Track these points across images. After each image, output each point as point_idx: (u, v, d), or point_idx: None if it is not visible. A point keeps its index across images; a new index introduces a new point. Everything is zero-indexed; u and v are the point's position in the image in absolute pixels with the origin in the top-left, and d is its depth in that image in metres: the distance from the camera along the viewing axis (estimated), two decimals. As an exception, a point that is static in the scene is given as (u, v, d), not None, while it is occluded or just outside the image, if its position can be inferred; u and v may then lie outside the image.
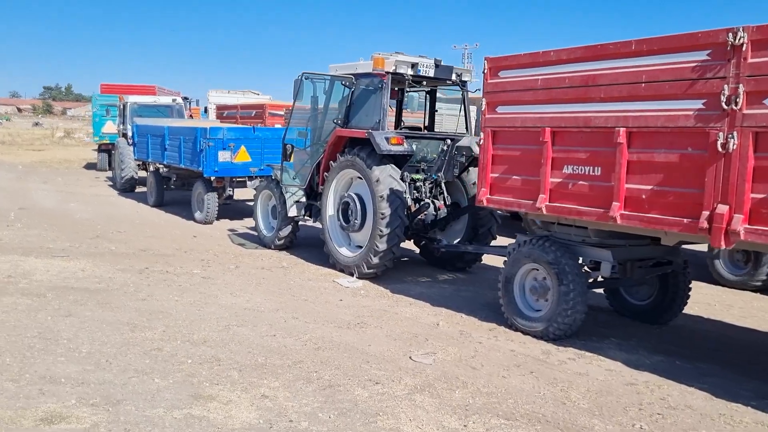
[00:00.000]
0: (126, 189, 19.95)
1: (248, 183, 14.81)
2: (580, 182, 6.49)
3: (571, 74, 6.53)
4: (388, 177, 9.44)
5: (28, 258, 10.24)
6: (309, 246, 12.12)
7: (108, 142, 25.62)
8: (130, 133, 19.78)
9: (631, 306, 8.20)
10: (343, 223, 10.18)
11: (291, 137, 11.46)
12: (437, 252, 10.41)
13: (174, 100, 21.03)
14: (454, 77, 10.35)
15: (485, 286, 9.69)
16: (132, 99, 20.31)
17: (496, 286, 7.75)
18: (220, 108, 28.08)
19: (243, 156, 14.41)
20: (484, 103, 7.49)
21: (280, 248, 11.93)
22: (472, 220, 10.36)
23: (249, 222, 14.91)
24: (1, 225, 13.27)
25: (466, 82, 10.55)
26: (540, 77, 6.83)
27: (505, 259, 7.74)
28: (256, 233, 13.42)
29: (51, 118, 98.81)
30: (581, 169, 6.49)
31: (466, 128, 10.65)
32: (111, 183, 22.47)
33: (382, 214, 9.33)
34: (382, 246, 9.42)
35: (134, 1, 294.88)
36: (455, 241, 10.57)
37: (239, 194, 15.94)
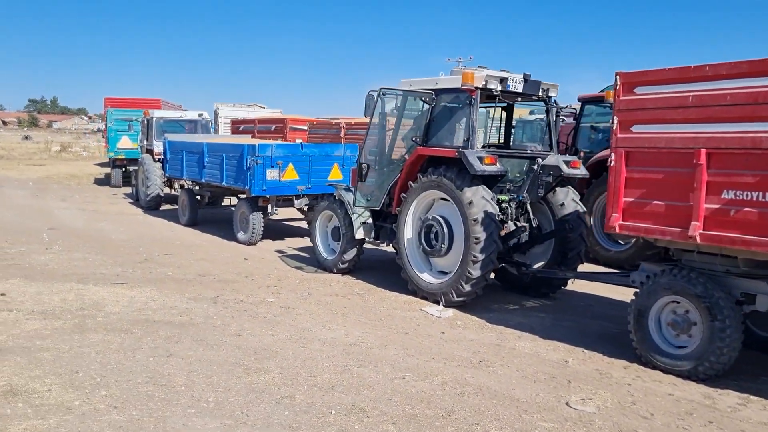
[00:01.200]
0: (151, 207, 19.25)
1: (296, 202, 14.19)
2: (746, 209, 5.92)
3: (733, 91, 5.97)
4: (481, 199, 8.87)
5: (87, 286, 9.57)
6: (370, 269, 11.52)
7: (124, 157, 24.92)
8: (157, 149, 19.09)
9: (760, 338, 7.63)
10: (426, 247, 9.59)
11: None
12: (527, 278, 9.83)
13: (200, 115, 20.39)
14: (540, 93, 9.80)
15: (580, 314, 9.16)
16: (158, 114, 19.62)
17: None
18: (236, 122, 27.40)
19: (291, 174, 13.80)
20: (615, 121, 6.92)
21: (342, 272, 11.32)
22: (560, 243, 9.78)
23: (293, 242, 14.38)
24: (38, 248, 12.55)
25: (551, 97, 9.99)
26: (691, 94, 6.29)
27: (637, 290, 7.17)
28: (307, 255, 12.83)
29: (37, 131, 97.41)
30: (746, 195, 5.93)
31: (551, 146, 10.08)
32: (131, 200, 21.73)
33: (477, 238, 8.75)
34: (475, 273, 8.83)
35: (122, 13, 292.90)
36: (537, 265, 9.99)
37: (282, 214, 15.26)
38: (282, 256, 12.90)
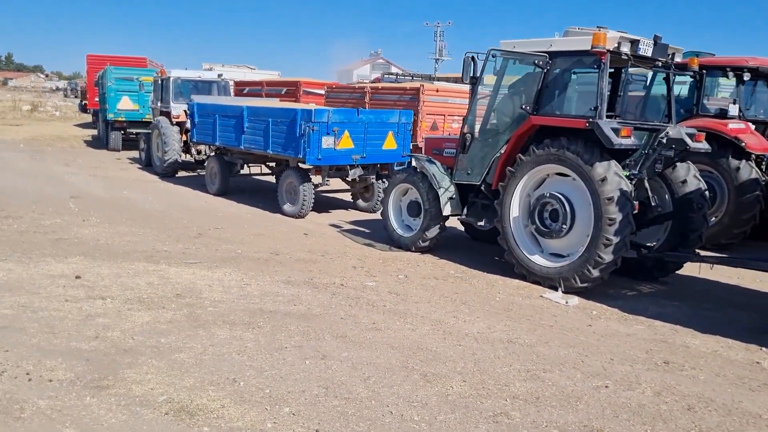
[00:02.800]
0: (168, 173, 18.03)
1: (350, 172, 13.19)
2: None
3: None
4: (615, 176, 8.01)
5: (162, 266, 8.54)
6: (444, 248, 10.69)
7: (124, 119, 23.46)
8: (175, 112, 17.79)
9: None
10: (541, 227, 8.70)
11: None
12: (649, 261, 9.03)
13: (219, 76, 19.06)
14: (666, 57, 8.91)
15: (710, 301, 8.48)
16: (175, 74, 18.25)
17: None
18: (240, 84, 25.96)
19: (346, 142, 12.78)
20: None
21: (422, 251, 10.42)
22: (680, 224, 8.99)
23: (340, 215, 13.46)
24: (74, 219, 11.43)
25: (672, 63, 9.11)
26: None
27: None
28: (367, 230, 11.92)
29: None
30: None
31: (670, 117, 9.22)
32: (140, 166, 20.41)
33: (611, 219, 7.90)
34: (607, 257, 8.01)
35: None
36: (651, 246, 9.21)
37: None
38: (343, 232, 11.93)
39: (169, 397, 4.64)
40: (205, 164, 16.04)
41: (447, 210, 9.97)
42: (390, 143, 13.43)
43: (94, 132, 33.83)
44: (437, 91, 18.77)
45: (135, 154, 23.16)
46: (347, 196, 15.04)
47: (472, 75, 9.47)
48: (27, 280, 7.39)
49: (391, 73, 46.51)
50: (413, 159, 10.58)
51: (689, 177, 8.89)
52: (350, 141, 12.79)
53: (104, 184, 16.34)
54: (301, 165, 12.76)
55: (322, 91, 22.82)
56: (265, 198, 15.18)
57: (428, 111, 18.00)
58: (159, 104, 18.58)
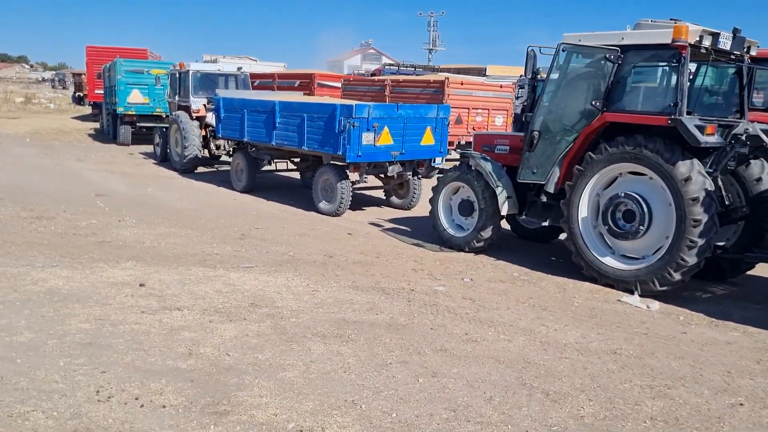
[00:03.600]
0: (187, 169, 17.59)
1: (389, 169, 12.82)
2: None
3: None
4: (699, 175, 7.70)
5: (220, 271, 8.19)
6: (494, 247, 10.36)
7: (134, 113, 22.93)
8: (195, 106, 17.34)
9: None
10: (614, 228, 8.37)
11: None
12: (724, 262, 8.73)
13: (239, 69, 18.58)
14: (742, 51, 8.59)
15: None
16: (194, 67, 17.76)
17: None
18: (251, 77, 25.47)
19: (385, 138, 12.40)
20: None
21: (476, 251, 10.08)
22: (754, 223, 8.69)
23: (377, 213, 13.11)
24: (110, 220, 11.06)
25: (746, 57, 8.78)
26: None
27: None
28: (410, 228, 11.60)
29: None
30: None
31: (742, 113, 8.90)
32: (155, 161, 19.93)
33: (695, 220, 7.59)
34: (690, 259, 7.70)
35: None
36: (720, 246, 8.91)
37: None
38: (386, 231, 11.58)
39: (297, 424, 4.29)
40: (231, 160, 15.57)
41: (505, 209, 9.65)
42: (428, 139, 13.08)
43: (96, 125, 33.24)
44: (462, 84, 18.46)
45: (146, 148, 22.71)
46: (378, 193, 14.67)
47: (533, 69, 9.14)
48: (90, 289, 6.99)
49: (391, 65, 46.05)
50: (468, 156, 10.20)
51: (764, 175, 8.59)
52: (389, 137, 12.41)
53: (125, 181, 15.90)
54: (337, 162, 12.35)
55: (338, 84, 22.46)
56: (294, 195, 14.82)
57: (453, 104, 17.62)
58: (177, 98, 18.10)
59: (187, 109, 17.52)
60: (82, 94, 54.08)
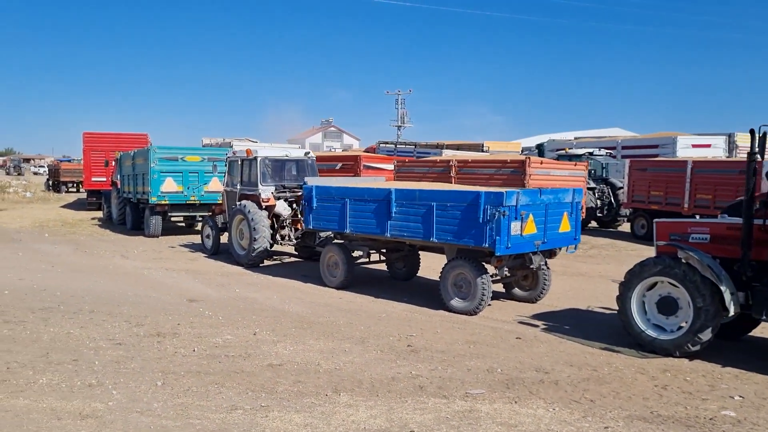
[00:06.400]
0: (254, 263, 16.01)
1: (534, 260, 11.54)
2: None
3: None
4: None
5: (454, 402, 6.84)
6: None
7: (167, 202, 21.34)
8: (264, 195, 15.94)
9: None
10: None
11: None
12: None
13: (306, 154, 17.28)
14: None
15: None
16: (263, 153, 16.40)
17: None
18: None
19: (530, 227, 11.18)
20: None
21: (689, 356, 8.76)
22: None
23: (508, 308, 11.78)
24: (241, 333, 9.67)
25: None
26: None
27: None
28: (566, 326, 10.30)
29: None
30: None
31: None
32: (206, 254, 18.26)
33: None
34: None
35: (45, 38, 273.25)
36: None
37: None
38: (551, 332, 10.23)
39: None
40: (322, 253, 14.10)
41: (733, 308, 8.41)
42: (565, 225, 11.89)
43: (95, 214, 31.44)
44: (541, 163, 17.42)
45: (178, 239, 21.28)
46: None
47: (758, 150, 8.15)
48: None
49: (387, 143, 45.36)
50: (677, 248, 8.99)
51: None
52: (533, 225, 11.19)
53: (200, 281, 14.27)
54: (474, 254, 11.06)
55: (386, 166, 21.28)
56: (398, 290, 13.46)
57: (534, 185, 16.57)
58: (239, 186, 16.64)
59: (254, 198, 16.07)
60: (59, 181, 52.15)
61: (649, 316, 9.28)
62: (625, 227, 24.90)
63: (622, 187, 23.45)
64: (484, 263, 11.44)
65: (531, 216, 11.12)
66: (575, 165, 18.98)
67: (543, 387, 7.41)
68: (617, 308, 9.57)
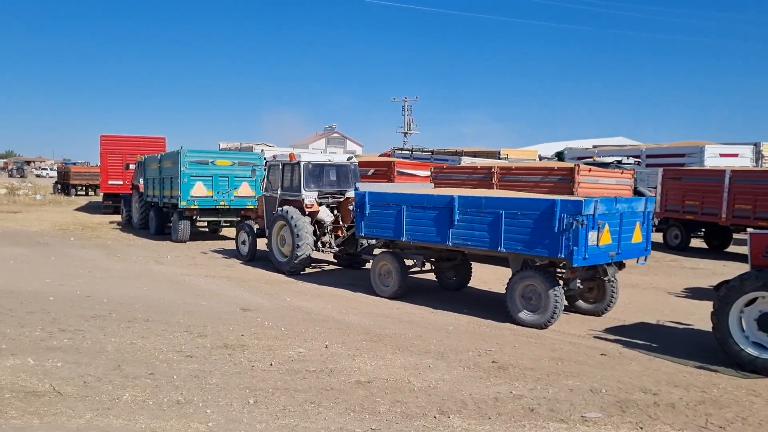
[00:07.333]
0: (297, 270, 15.49)
1: (609, 271, 11.02)
2: None
3: None
4: None
5: (575, 426, 6.13)
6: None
7: (196, 207, 20.82)
8: (308, 201, 15.42)
9: None
10: None
11: None
12: None
13: (349, 159, 16.76)
14: None
15: None
16: (306, 158, 15.88)
17: None
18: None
19: (606, 237, 10.66)
20: None
21: (792, 376, 8.22)
22: None
23: (574, 321, 11.20)
24: (312, 346, 9.23)
25: None
26: None
27: None
28: (657, 344, 9.77)
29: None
30: None
31: None
32: (241, 260, 17.74)
33: None
34: None
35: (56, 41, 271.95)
36: None
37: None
38: (635, 348, 9.66)
39: None
40: (373, 262, 13.56)
41: None
42: (637, 236, 11.38)
43: (112, 218, 30.91)
44: (590, 170, 16.90)
45: (207, 244, 20.82)
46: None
47: None
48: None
49: (401, 149, 44.85)
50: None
51: None
52: (609, 235, 10.67)
53: (246, 289, 13.76)
54: (541, 264, 10.56)
55: (421, 172, 20.78)
56: (447, 300, 12.96)
57: (582, 193, 16.05)
58: (279, 191, 16.12)
59: (297, 203, 15.55)
60: (68, 184, 51.67)
61: (747, 334, 8.76)
62: (655, 237, 24.38)
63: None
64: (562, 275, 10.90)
65: (607, 226, 10.58)
66: (621, 173, 18.46)
67: (660, 411, 6.89)
68: (711, 325, 9.05)
